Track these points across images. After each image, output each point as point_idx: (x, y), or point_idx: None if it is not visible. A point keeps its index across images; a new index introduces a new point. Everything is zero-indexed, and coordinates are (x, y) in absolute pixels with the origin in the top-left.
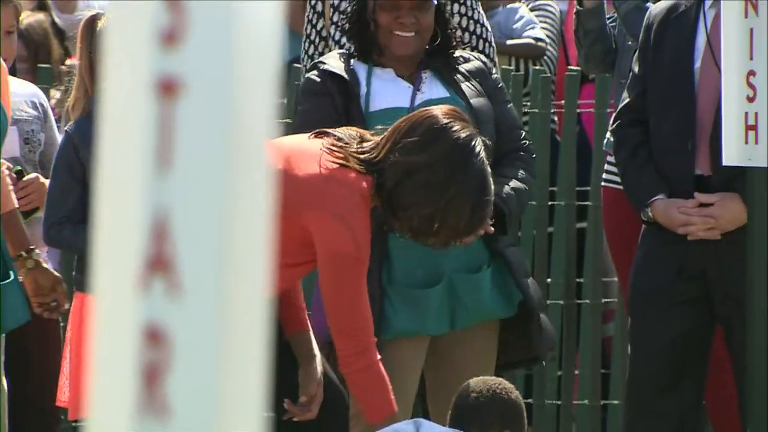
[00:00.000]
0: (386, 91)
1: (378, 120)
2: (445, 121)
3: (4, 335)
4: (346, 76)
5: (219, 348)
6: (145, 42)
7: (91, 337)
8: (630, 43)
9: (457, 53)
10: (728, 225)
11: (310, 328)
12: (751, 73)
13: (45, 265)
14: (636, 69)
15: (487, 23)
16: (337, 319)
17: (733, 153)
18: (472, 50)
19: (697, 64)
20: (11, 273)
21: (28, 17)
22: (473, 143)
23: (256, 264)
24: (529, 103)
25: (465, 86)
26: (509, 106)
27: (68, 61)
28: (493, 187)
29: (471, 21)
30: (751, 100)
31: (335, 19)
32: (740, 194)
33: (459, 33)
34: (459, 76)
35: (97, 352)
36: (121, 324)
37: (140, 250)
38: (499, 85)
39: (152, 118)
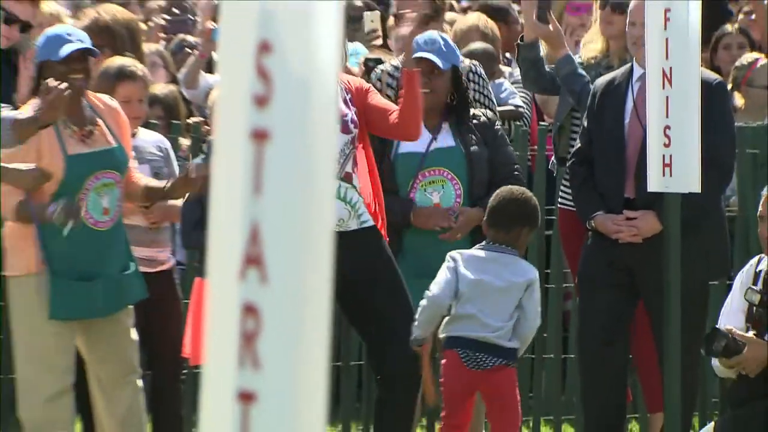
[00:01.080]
0: None
1: (400, 162)
2: None
3: (132, 307)
4: None
5: (296, 319)
6: (244, 104)
7: (206, 310)
8: (569, 99)
9: (471, 111)
10: (647, 233)
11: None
12: (667, 127)
13: None
14: (585, 123)
15: (492, 95)
16: None
17: (654, 183)
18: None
19: (627, 120)
20: (132, 264)
21: (164, 88)
22: None
23: (321, 260)
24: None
25: (470, 137)
26: (507, 148)
27: (191, 119)
28: None
29: (481, 95)
30: (667, 146)
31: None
32: (655, 211)
33: (471, 94)
34: (468, 129)
35: (210, 321)
36: (227, 302)
37: (240, 249)
38: (500, 134)
39: (248, 157)
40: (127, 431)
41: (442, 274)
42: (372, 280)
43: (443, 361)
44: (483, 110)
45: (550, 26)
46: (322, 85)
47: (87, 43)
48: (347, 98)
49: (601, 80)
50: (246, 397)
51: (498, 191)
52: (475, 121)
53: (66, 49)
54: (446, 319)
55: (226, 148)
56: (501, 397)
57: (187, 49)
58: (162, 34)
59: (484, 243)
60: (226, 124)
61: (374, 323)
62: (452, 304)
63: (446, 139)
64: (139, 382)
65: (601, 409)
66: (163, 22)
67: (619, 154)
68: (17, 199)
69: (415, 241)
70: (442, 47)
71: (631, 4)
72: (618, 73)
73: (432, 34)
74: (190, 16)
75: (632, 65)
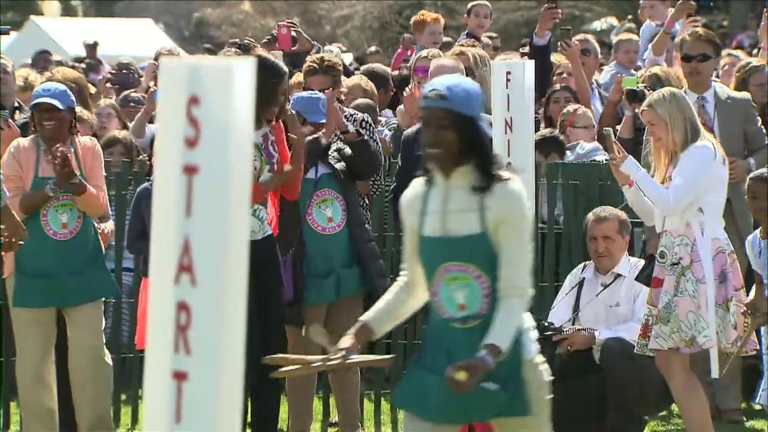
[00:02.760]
0: None
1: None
2: None
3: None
4: None
5: (218, 315)
6: (178, 145)
7: (148, 306)
8: None
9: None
10: None
11: None
12: (509, 163)
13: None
14: (401, 163)
15: (377, 137)
16: None
17: None
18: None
19: None
20: (100, 268)
21: (122, 132)
22: None
23: (238, 267)
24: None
25: (334, 163)
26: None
27: (139, 157)
28: None
29: (371, 138)
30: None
31: None
32: None
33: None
34: (333, 158)
35: (152, 315)
36: (164, 301)
37: (175, 259)
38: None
39: (181, 186)
40: (96, 404)
41: None
42: (263, 277)
43: None
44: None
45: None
46: (239, 130)
47: (56, 99)
48: (273, 141)
49: (409, 131)
50: (180, 376)
51: None
52: (336, 149)
53: (33, 101)
54: None
55: (164, 180)
56: None
57: (131, 103)
58: (109, 85)
59: None
60: (164, 161)
61: (256, 309)
62: None
63: (324, 167)
64: (108, 360)
65: None
66: (110, 76)
67: None
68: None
69: (313, 245)
70: (321, 107)
71: (430, 69)
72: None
73: (323, 96)
74: (133, 74)
75: None
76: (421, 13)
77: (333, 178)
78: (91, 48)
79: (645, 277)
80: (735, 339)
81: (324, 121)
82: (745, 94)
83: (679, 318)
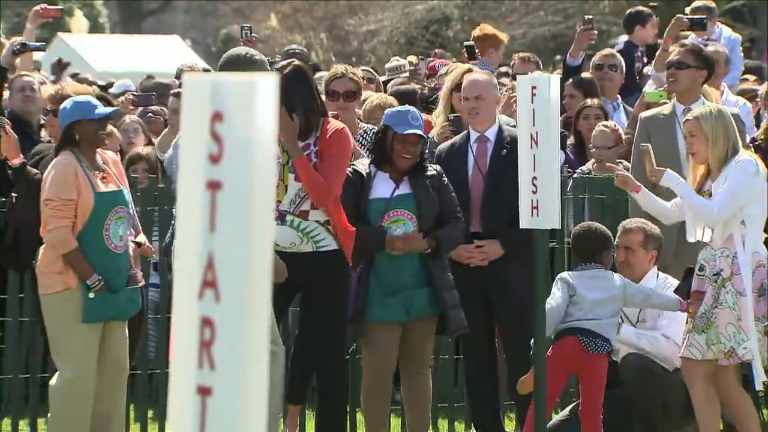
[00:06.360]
0: (380, 186)
1: (371, 205)
2: None
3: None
4: (364, 173)
5: (241, 329)
6: (201, 160)
7: (174, 322)
8: None
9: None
10: (493, 256)
11: None
12: (534, 178)
13: None
14: None
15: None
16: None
17: (525, 221)
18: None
19: (470, 173)
20: (134, 282)
21: (146, 149)
22: None
23: (261, 282)
24: None
25: (422, 185)
26: (452, 194)
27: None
28: None
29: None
30: (534, 193)
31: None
32: (498, 239)
33: (367, 146)
34: (422, 180)
35: (176, 331)
36: (189, 316)
37: (199, 275)
38: (446, 183)
39: (205, 201)
40: (110, 416)
41: (558, 292)
42: (322, 292)
43: (557, 346)
44: (435, 166)
45: None
46: (262, 145)
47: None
48: (315, 151)
49: (443, 145)
50: (204, 391)
51: (577, 228)
52: (427, 173)
53: (100, 111)
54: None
55: (187, 195)
56: (600, 378)
57: (150, 115)
58: (131, 106)
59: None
60: (187, 177)
61: (312, 329)
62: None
63: (404, 188)
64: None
65: (479, 398)
66: (132, 97)
67: (465, 199)
68: (71, 242)
69: (383, 262)
70: (422, 122)
71: (464, 84)
72: (457, 138)
73: (412, 109)
74: (152, 94)
75: (469, 131)
76: (484, 27)
77: (409, 200)
78: (57, 66)
79: (685, 290)
80: None
81: (411, 131)
82: (733, 109)
83: (719, 330)
